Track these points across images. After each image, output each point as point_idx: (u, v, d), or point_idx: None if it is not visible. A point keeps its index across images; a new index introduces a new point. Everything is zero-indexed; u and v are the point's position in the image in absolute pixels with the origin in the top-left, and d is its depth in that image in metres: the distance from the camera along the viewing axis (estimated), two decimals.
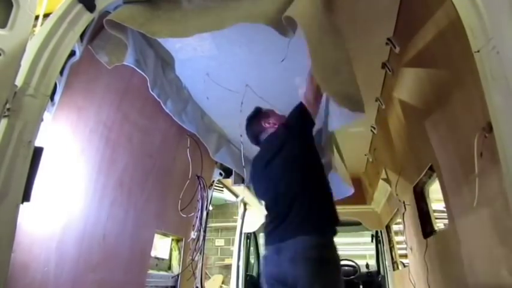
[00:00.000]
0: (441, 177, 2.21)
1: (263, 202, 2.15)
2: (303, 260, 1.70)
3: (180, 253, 3.27)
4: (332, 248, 1.81)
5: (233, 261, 5.15)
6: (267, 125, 2.21)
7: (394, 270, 4.65)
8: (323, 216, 1.84)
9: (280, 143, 2.01)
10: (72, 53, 1.62)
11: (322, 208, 1.86)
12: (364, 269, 5.22)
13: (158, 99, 2.41)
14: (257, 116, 2.28)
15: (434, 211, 2.81)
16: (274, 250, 1.84)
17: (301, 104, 2.02)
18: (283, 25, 1.57)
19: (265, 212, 2.05)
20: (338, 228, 1.88)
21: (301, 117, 1.99)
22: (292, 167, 1.93)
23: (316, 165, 1.99)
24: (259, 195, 2.22)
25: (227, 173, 3.90)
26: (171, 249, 3.31)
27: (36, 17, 1.51)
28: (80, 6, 1.54)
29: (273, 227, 1.89)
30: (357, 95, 1.87)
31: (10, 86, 1.28)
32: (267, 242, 1.94)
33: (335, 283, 1.76)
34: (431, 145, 2.23)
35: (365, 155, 4.18)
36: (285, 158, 1.95)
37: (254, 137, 2.28)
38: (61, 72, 1.58)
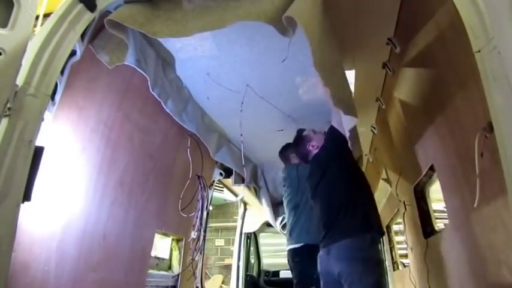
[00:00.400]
0: (442, 177, 2.21)
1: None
2: (346, 259, 2.15)
3: (180, 253, 3.27)
4: (372, 249, 2.20)
5: (233, 261, 5.15)
6: (311, 148, 2.63)
7: (394, 270, 4.64)
8: (364, 223, 2.20)
9: (324, 166, 2.45)
10: (73, 53, 1.62)
11: (363, 216, 2.23)
12: None
13: (159, 98, 2.41)
14: (302, 140, 2.71)
15: (435, 211, 2.81)
16: (325, 251, 2.28)
17: (331, 127, 2.39)
18: (283, 24, 1.57)
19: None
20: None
21: (334, 139, 2.37)
22: (337, 185, 2.35)
23: (357, 179, 2.39)
24: (314, 208, 2.66)
25: (227, 172, 3.90)
26: (171, 249, 3.31)
27: (37, 17, 1.51)
28: (80, 5, 1.54)
29: (325, 233, 2.32)
30: (349, 100, 1.93)
31: (11, 85, 1.28)
32: (321, 246, 2.36)
33: (374, 277, 2.13)
34: (432, 145, 2.23)
35: (365, 155, 4.18)
36: (330, 179, 2.39)
37: (303, 158, 2.72)
38: (62, 72, 1.58)
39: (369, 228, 2.20)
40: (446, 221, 2.34)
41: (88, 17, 1.58)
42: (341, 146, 2.37)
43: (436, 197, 2.71)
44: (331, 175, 2.39)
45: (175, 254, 3.30)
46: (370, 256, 2.16)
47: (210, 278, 8.12)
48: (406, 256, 4.16)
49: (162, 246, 3.28)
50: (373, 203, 2.37)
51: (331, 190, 2.37)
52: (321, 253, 2.34)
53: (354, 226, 2.19)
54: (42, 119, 1.43)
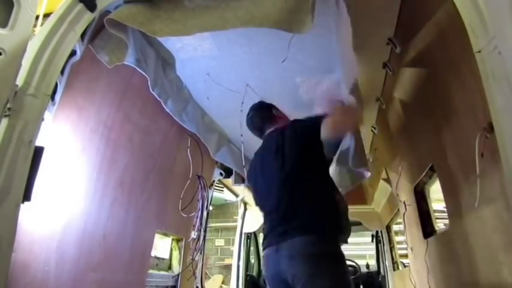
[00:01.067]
0: (442, 177, 2.21)
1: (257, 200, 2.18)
2: (301, 257, 1.71)
3: (180, 253, 3.27)
4: (332, 244, 1.80)
5: (233, 261, 5.15)
6: (279, 119, 2.17)
7: (394, 270, 4.65)
8: (324, 223, 1.81)
9: (286, 146, 1.96)
10: (73, 53, 1.62)
11: (323, 214, 1.82)
12: (364, 269, 5.22)
13: (159, 98, 2.41)
14: (267, 106, 2.24)
15: (435, 211, 2.81)
16: (273, 249, 1.84)
17: (318, 121, 1.90)
18: (286, 23, 1.57)
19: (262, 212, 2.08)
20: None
21: (312, 132, 1.88)
22: (298, 173, 1.90)
23: (320, 171, 1.95)
24: (257, 193, 2.20)
25: (227, 172, 3.90)
26: (171, 249, 3.31)
27: (36, 17, 1.50)
28: (80, 5, 1.54)
29: (272, 228, 1.90)
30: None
31: (11, 85, 1.28)
32: (267, 244, 1.91)
33: (339, 277, 1.74)
34: (432, 145, 2.23)
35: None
36: (290, 164, 1.91)
37: (259, 127, 2.21)
38: (62, 72, 1.58)
39: (332, 229, 1.83)
40: (446, 221, 2.34)
41: (88, 17, 1.58)
42: (316, 140, 1.87)
43: (436, 197, 2.71)
44: (292, 162, 1.92)
45: (175, 254, 3.30)
46: (335, 251, 1.79)
47: (210, 278, 8.12)
48: (406, 256, 4.16)
49: (162, 246, 3.28)
50: (334, 200, 1.92)
51: (288, 177, 1.89)
52: (268, 251, 1.89)
53: (313, 224, 1.78)
54: (42, 119, 1.43)
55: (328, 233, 1.80)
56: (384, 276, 4.84)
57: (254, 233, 5.36)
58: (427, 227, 2.76)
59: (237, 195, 4.89)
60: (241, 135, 2.87)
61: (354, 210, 4.79)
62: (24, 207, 1.32)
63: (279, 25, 1.57)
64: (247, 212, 5.22)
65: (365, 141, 3.80)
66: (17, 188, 1.29)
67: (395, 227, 4.66)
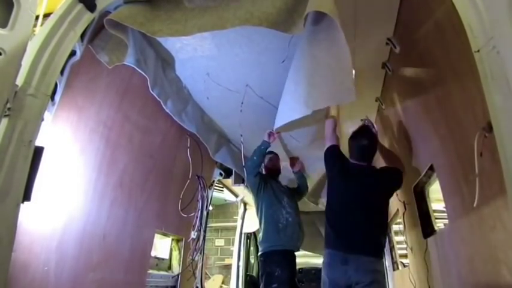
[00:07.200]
0: (441, 177, 2.21)
1: None
2: None
3: (180, 253, 3.27)
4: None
5: (233, 261, 5.15)
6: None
7: (394, 270, 4.64)
8: None
9: None
10: (73, 53, 1.63)
11: None
12: None
13: (158, 99, 2.41)
14: None
15: (434, 211, 2.81)
16: None
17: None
18: (285, 26, 1.57)
19: None
20: None
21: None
22: None
23: None
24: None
25: (227, 173, 3.90)
26: (171, 249, 3.31)
27: (36, 17, 1.51)
28: (80, 6, 1.54)
29: None
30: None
31: (11, 85, 1.29)
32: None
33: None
34: (432, 145, 2.23)
35: None
36: None
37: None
38: (61, 72, 1.59)
39: None
40: (446, 221, 2.34)
41: (88, 17, 1.58)
42: None
43: (436, 197, 2.71)
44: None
45: (175, 254, 3.30)
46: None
47: (210, 278, 8.12)
48: (406, 256, 4.16)
49: (162, 246, 3.28)
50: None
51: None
52: None
53: None
54: (42, 119, 1.43)
55: None
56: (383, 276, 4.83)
57: (254, 233, 5.36)
58: (426, 227, 2.76)
59: (237, 195, 4.89)
60: (241, 135, 2.87)
61: None
62: (24, 207, 1.32)
63: (276, 26, 1.58)
64: (247, 212, 5.22)
65: None
66: (17, 188, 1.29)
67: (395, 227, 4.65)
